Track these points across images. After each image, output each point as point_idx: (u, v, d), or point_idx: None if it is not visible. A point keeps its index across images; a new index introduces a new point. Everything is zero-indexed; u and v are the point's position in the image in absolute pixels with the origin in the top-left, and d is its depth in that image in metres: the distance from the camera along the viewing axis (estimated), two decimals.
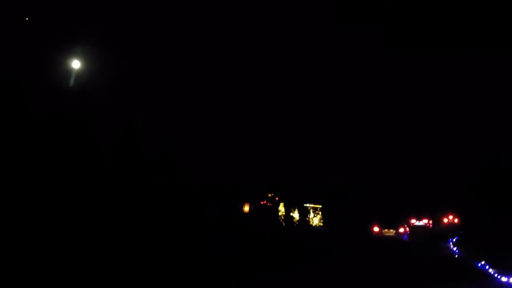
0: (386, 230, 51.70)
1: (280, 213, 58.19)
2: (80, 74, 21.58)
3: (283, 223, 54.70)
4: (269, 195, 56.56)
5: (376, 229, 51.96)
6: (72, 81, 21.65)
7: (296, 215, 61.87)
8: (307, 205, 65.15)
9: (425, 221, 57.44)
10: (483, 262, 23.43)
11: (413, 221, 55.73)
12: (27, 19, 20.58)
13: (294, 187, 60.78)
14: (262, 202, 53.53)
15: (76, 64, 20.87)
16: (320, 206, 65.47)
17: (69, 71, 21.28)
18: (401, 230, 52.09)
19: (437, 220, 61.17)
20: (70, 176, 20.36)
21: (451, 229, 55.53)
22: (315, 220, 65.34)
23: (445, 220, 63.40)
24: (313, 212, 65.88)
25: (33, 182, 18.17)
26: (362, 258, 25.99)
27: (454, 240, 43.21)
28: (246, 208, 38.04)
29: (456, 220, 63.63)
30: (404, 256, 28.31)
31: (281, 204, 60.22)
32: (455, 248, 35.11)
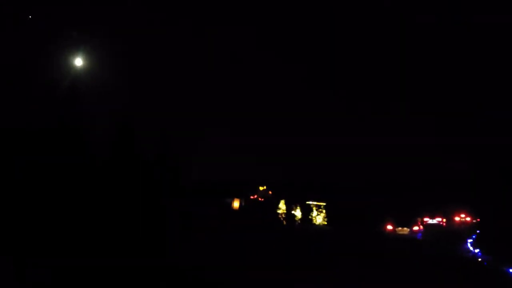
0: (399, 228, 49.44)
1: (280, 211, 54.49)
2: (75, 71, 21.80)
3: (284, 222, 51.05)
4: (261, 188, 52.28)
5: (389, 227, 49.81)
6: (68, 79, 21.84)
7: (298, 213, 58.31)
8: (310, 202, 61.48)
9: (438, 219, 56.31)
10: None
11: (426, 219, 54.38)
12: (30, 17, 20.91)
13: (296, 183, 57.17)
14: (252, 197, 49.13)
15: (78, 62, 21.24)
16: (324, 204, 61.90)
17: (64, 68, 21.54)
18: (415, 228, 49.66)
19: (450, 219, 59.71)
20: (61, 175, 20.01)
21: (465, 228, 53.94)
22: (319, 218, 61.85)
23: (457, 219, 62.11)
24: (316, 210, 62.36)
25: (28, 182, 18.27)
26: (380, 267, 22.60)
27: (472, 240, 40.66)
28: (236, 204, 33.82)
29: (468, 219, 62.40)
30: (426, 263, 24.83)
31: (282, 202, 56.59)
32: (476, 250, 31.98)
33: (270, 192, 52.93)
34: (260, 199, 50.29)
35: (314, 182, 58.87)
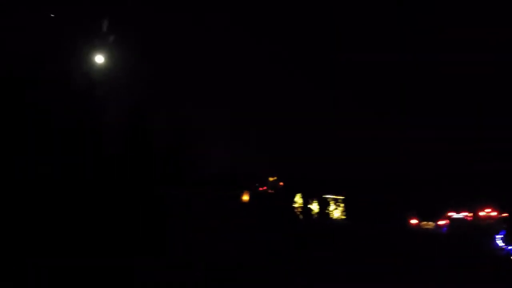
0: (424, 222, 47.43)
1: (296, 205, 52.55)
2: (92, 66, 21.80)
3: (300, 216, 49.14)
4: (271, 178, 49.40)
5: (414, 221, 48.08)
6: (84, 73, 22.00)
7: (314, 207, 56.24)
8: (328, 196, 59.34)
9: (464, 213, 54.32)
10: None
11: (451, 213, 52.56)
12: (52, 15, 21.23)
13: (313, 176, 55.16)
14: (261, 189, 46.44)
15: (99, 59, 21.30)
16: (343, 198, 59.74)
17: (81, 63, 21.48)
18: (441, 222, 47.75)
19: (475, 213, 57.60)
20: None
21: (491, 223, 51.84)
22: (336, 212, 59.76)
23: (482, 213, 59.99)
24: (334, 204, 60.27)
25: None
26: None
27: (501, 236, 38.55)
28: (246, 197, 31.47)
29: (494, 214, 60.32)
30: (459, 260, 22.60)
31: (298, 195, 54.66)
32: (510, 247, 29.73)
33: (281, 184, 49.97)
34: (270, 191, 47.48)
35: (332, 175, 56.88)
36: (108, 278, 14.00)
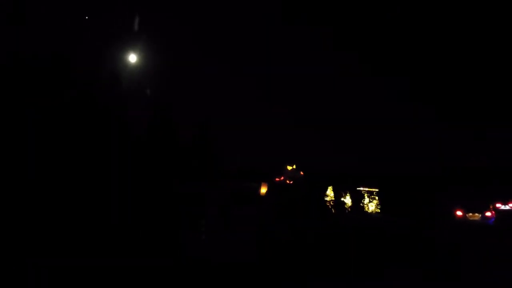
0: (470, 214, 44.89)
1: (328, 198, 50.23)
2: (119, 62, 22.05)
3: (332, 210, 46.81)
4: (289, 167, 45.37)
5: (459, 213, 45.80)
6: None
7: (347, 200, 53.71)
8: (361, 188, 56.78)
9: (511, 205, 51.52)
10: None
11: (498, 205, 49.84)
12: (86, 17, 21.83)
13: (346, 167, 52.87)
14: (277, 179, 42.88)
15: (132, 58, 21.99)
16: (377, 190, 57.01)
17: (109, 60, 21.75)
18: (488, 214, 45.12)
19: None
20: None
21: None
22: (371, 206, 57.21)
23: None
24: (368, 196, 57.67)
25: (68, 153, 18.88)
26: None
27: None
28: (264, 190, 28.64)
29: None
30: None
31: (330, 188, 52.34)
32: None
33: (301, 173, 45.69)
34: (288, 181, 43.53)
35: (366, 168, 54.37)
36: (113, 279, 12.78)
